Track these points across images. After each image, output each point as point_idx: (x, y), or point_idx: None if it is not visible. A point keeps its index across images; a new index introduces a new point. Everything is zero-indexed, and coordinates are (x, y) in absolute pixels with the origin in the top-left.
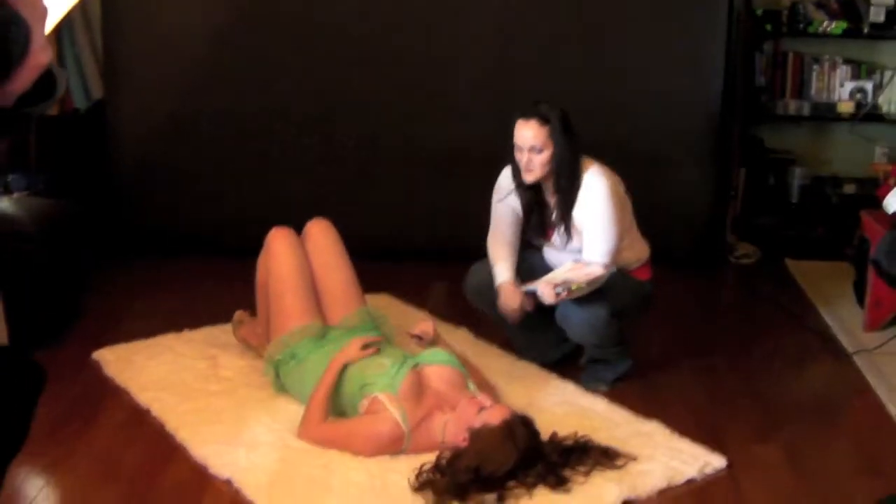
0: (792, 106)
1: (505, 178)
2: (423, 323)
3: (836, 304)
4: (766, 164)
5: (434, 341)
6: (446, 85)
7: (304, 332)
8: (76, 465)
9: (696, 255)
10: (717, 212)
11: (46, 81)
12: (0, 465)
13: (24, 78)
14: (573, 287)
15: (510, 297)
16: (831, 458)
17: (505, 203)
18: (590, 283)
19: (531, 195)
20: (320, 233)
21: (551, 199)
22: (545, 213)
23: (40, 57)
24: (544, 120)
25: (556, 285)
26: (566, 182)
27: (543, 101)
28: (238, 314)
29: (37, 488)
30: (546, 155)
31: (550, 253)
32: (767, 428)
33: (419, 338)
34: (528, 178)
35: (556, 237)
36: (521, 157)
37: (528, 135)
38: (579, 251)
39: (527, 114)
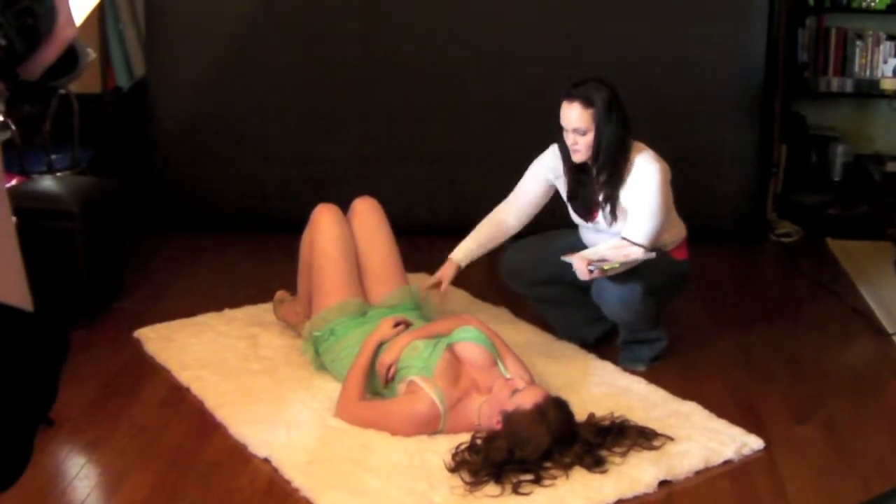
0: (834, 82)
1: (551, 154)
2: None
3: (878, 283)
4: (807, 141)
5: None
6: (492, 56)
7: (344, 309)
8: (116, 443)
9: (737, 233)
10: (758, 189)
11: (70, 56)
12: (27, 428)
13: (50, 52)
14: (606, 267)
15: (441, 271)
16: (871, 438)
17: (536, 178)
18: (624, 263)
19: (579, 174)
20: (366, 211)
21: (599, 179)
22: (591, 191)
23: (66, 31)
24: (588, 102)
25: (590, 262)
26: (612, 163)
27: (592, 78)
28: (279, 294)
29: (77, 466)
30: (590, 137)
31: (589, 235)
32: (806, 408)
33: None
34: (576, 158)
35: (601, 218)
36: (568, 139)
37: (573, 117)
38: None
39: (571, 95)
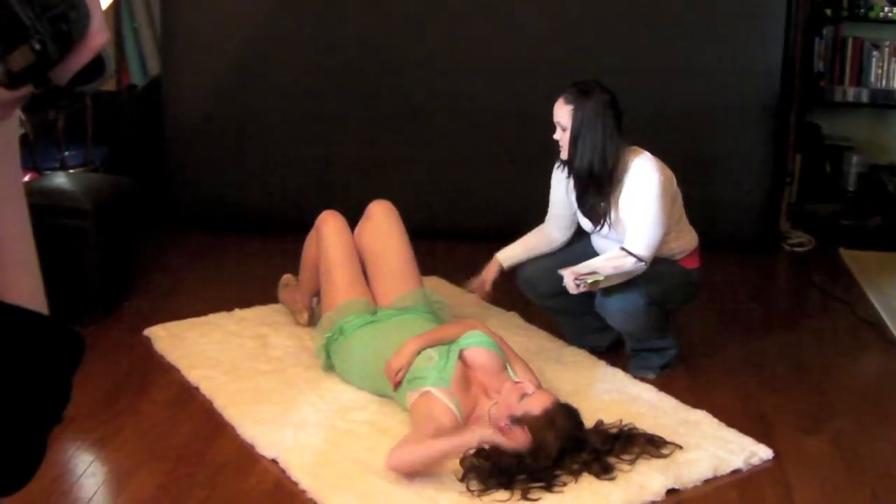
0: (850, 92)
1: (556, 167)
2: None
3: (890, 294)
4: (822, 150)
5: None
6: (498, 62)
7: (350, 307)
8: (124, 442)
9: (750, 241)
10: (772, 198)
11: (97, 62)
12: (41, 431)
13: (81, 59)
14: (590, 280)
15: (486, 269)
16: (880, 450)
17: (557, 189)
18: (612, 276)
19: (582, 181)
20: (382, 213)
21: (591, 185)
22: (593, 198)
23: (98, 38)
24: (569, 98)
25: (578, 276)
26: (597, 169)
27: (594, 81)
28: (285, 277)
29: (85, 464)
30: (569, 133)
31: (598, 241)
32: (816, 418)
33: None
34: (561, 154)
35: (605, 224)
36: (557, 136)
37: (556, 111)
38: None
39: (564, 92)
